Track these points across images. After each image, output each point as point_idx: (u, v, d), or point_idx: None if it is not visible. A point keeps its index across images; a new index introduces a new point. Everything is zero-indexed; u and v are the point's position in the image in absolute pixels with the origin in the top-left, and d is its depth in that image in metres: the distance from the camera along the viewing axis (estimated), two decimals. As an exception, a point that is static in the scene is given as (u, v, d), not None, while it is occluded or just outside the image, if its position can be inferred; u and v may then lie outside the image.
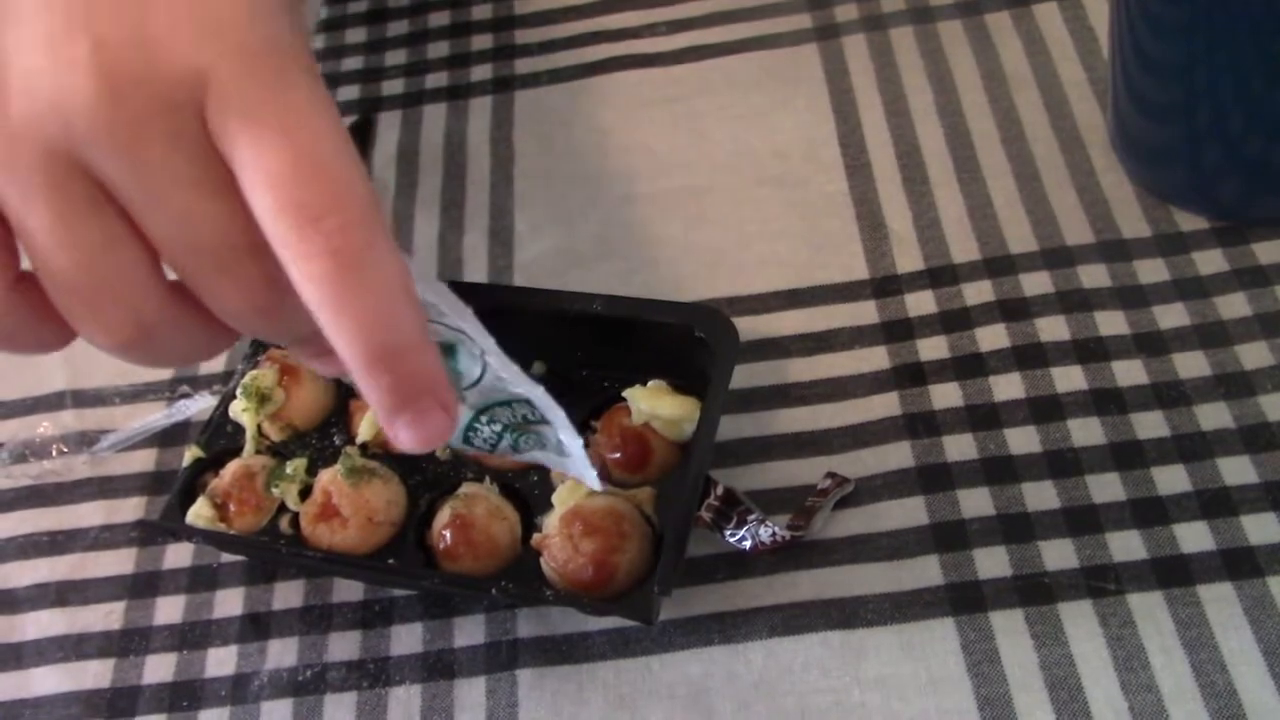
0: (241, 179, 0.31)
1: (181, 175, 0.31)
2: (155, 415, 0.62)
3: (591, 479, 0.42)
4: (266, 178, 0.31)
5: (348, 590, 0.55)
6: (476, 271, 0.65)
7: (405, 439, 0.33)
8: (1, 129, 0.31)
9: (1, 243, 0.33)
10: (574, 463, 0.42)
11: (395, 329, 0.32)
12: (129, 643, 0.55)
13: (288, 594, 0.55)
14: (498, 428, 0.42)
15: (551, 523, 0.51)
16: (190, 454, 0.57)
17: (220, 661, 0.54)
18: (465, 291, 0.56)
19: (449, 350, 0.40)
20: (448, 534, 0.51)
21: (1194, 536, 0.50)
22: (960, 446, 0.54)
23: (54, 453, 0.62)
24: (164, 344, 0.34)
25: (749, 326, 0.59)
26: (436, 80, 0.76)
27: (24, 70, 0.31)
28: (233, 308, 0.33)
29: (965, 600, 0.50)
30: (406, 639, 0.53)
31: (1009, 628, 0.49)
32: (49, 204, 0.31)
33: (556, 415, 0.41)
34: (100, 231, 0.32)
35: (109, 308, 0.33)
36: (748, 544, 0.52)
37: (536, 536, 0.51)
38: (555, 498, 0.51)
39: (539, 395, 0.41)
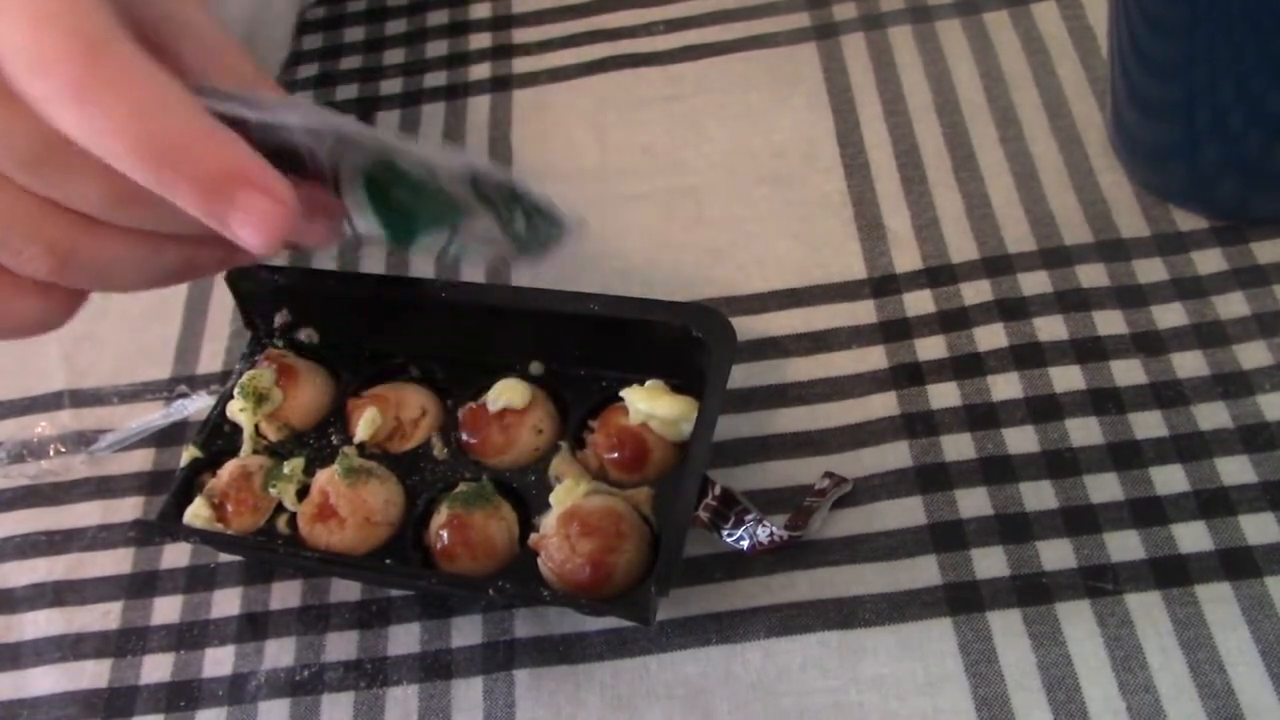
0: (4, 71, 0.32)
1: None
2: (153, 415, 0.62)
3: (567, 219, 0.41)
4: (11, 51, 0.31)
5: (345, 590, 0.55)
6: (474, 270, 0.65)
7: (244, 234, 0.32)
8: None
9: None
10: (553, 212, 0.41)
11: (164, 127, 0.31)
12: (126, 643, 0.55)
13: (285, 594, 0.55)
14: (521, 219, 0.41)
15: (549, 523, 0.51)
16: (188, 454, 0.57)
17: (218, 661, 0.54)
18: (462, 291, 0.57)
19: (390, 167, 0.38)
20: (445, 534, 0.51)
21: (1192, 536, 0.50)
22: (958, 446, 0.54)
23: (51, 452, 0.62)
24: (93, 262, 0.34)
25: (746, 326, 0.59)
26: (435, 79, 0.76)
27: None
28: (96, 201, 0.33)
29: (963, 600, 0.50)
30: (404, 639, 0.53)
31: (1007, 628, 0.49)
32: None
33: (501, 170, 0.40)
34: None
35: (19, 242, 0.33)
36: (745, 544, 0.52)
37: (534, 536, 0.50)
38: (553, 498, 0.51)
39: (463, 158, 0.39)
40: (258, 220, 0.32)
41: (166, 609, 0.56)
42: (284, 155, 0.36)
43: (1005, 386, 0.56)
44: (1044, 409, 0.55)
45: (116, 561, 0.58)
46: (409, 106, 0.75)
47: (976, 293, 0.59)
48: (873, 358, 0.58)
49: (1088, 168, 0.63)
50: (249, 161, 0.33)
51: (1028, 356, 0.57)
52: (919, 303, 0.60)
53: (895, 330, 0.59)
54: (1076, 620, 0.49)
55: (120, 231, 0.34)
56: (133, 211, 0.34)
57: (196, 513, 0.54)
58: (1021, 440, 0.54)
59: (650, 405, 0.52)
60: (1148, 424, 0.54)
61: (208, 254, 0.37)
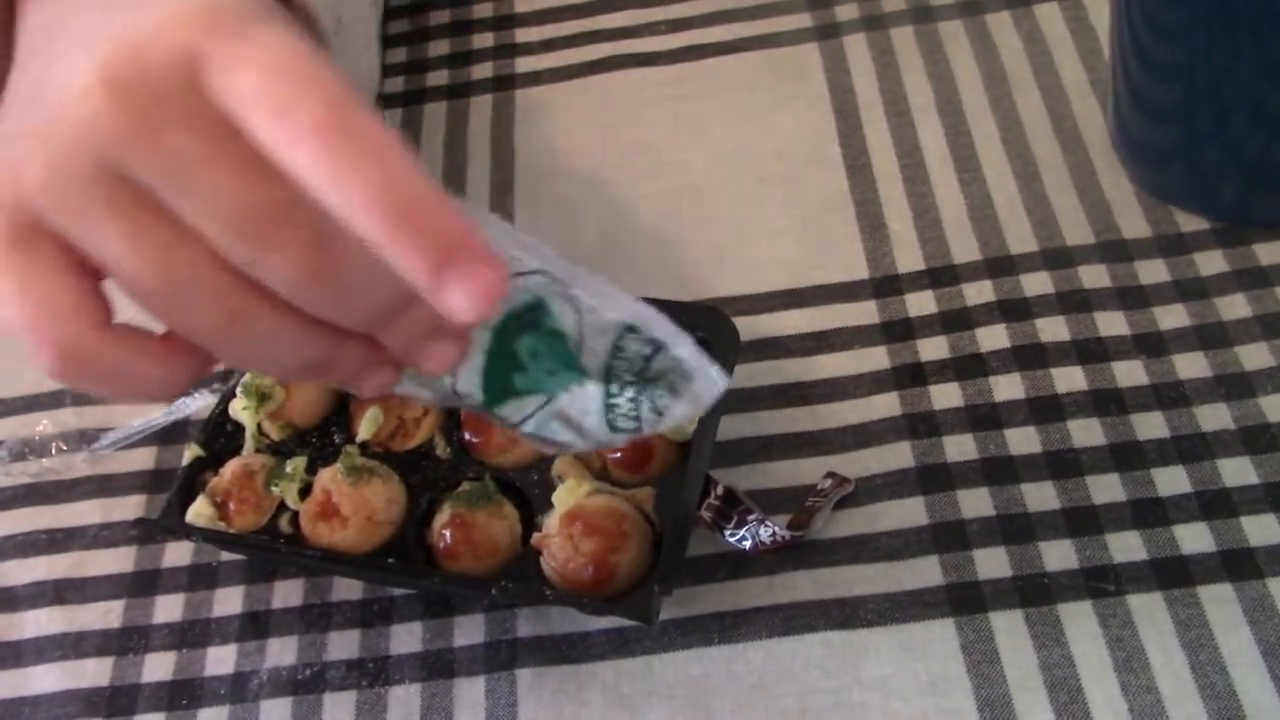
0: (240, 122, 0.32)
1: (201, 154, 0.32)
2: (155, 414, 0.62)
3: (714, 379, 0.40)
4: (248, 100, 0.32)
5: (347, 589, 0.55)
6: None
7: (459, 302, 0.31)
8: (50, 168, 0.33)
9: (89, 288, 0.34)
10: (698, 381, 0.40)
11: (404, 184, 0.31)
12: (128, 641, 0.55)
13: (287, 593, 0.55)
14: (631, 394, 0.40)
15: (551, 522, 0.51)
16: (190, 452, 0.57)
17: (219, 660, 0.54)
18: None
19: (538, 309, 0.38)
20: (448, 533, 0.51)
21: (1194, 537, 0.50)
22: (960, 447, 0.54)
23: (53, 450, 0.62)
24: (257, 332, 0.34)
25: (749, 326, 0.59)
26: (437, 78, 0.76)
27: (56, 114, 0.33)
28: (289, 276, 0.33)
29: (965, 601, 0.50)
30: (406, 638, 0.53)
31: (1009, 628, 0.49)
32: (110, 221, 0.33)
33: (656, 323, 0.39)
34: (164, 231, 0.33)
35: (196, 301, 0.34)
36: (748, 544, 0.52)
37: (536, 536, 0.50)
38: (555, 497, 0.51)
39: (631, 306, 0.39)
40: (475, 289, 0.32)
41: (168, 607, 0.56)
42: None
43: (1007, 387, 0.56)
44: (1046, 410, 0.55)
45: (118, 560, 0.58)
46: (411, 105, 0.75)
47: (978, 293, 0.59)
48: (875, 358, 0.58)
49: (1090, 169, 0.64)
50: (473, 231, 0.33)
51: (1030, 357, 0.57)
52: (921, 303, 0.60)
53: (897, 331, 0.59)
54: (1079, 621, 0.49)
55: (287, 310, 0.34)
56: (319, 292, 0.34)
57: (199, 511, 0.54)
58: (1023, 441, 0.54)
59: (653, 405, 0.52)
60: (1149, 425, 0.54)
61: (348, 356, 0.37)
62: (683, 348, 0.40)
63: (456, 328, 0.37)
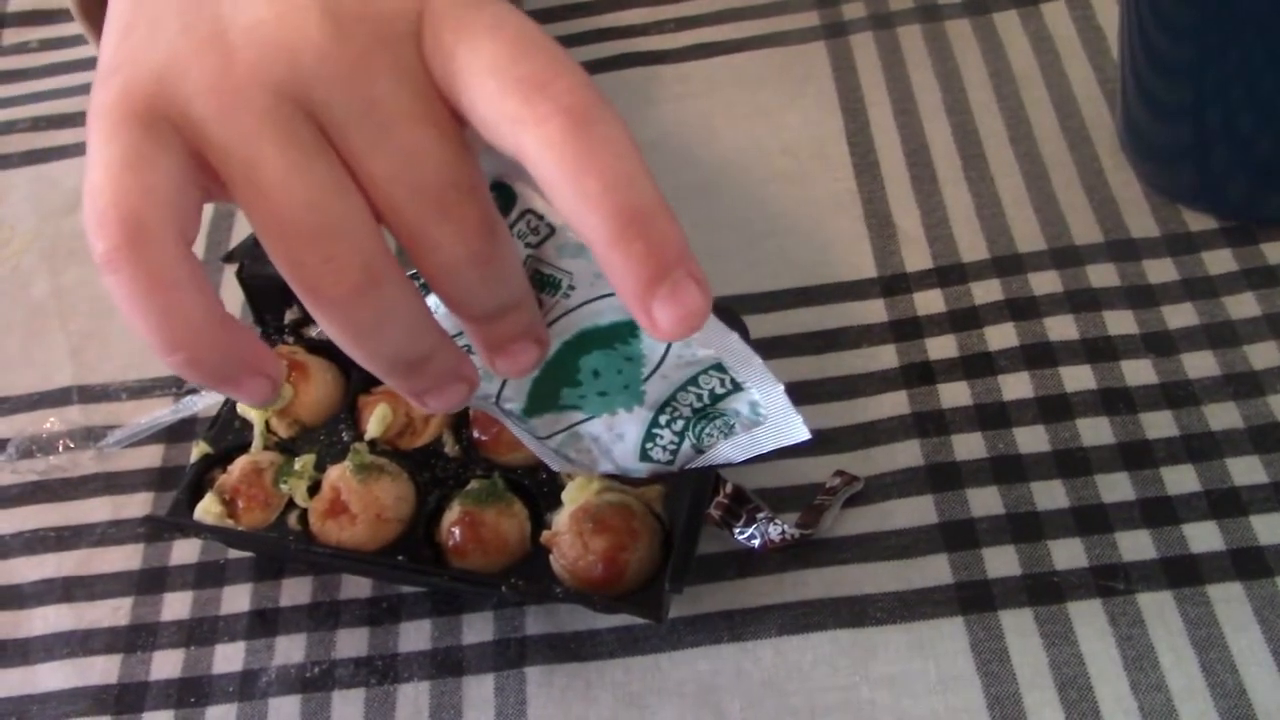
0: (463, 84, 0.31)
1: (407, 109, 0.31)
2: (162, 411, 0.62)
3: (801, 428, 0.39)
4: (486, 66, 0.31)
5: (356, 587, 0.55)
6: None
7: (665, 320, 0.30)
8: (227, 80, 0.31)
9: (191, 200, 0.32)
10: (772, 423, 0.39)
11: (640, 187, 0.31)
12: (136, 638, 0.55)
13: (295, 590, 0.55)
14: (679, 426, 0.39)
15: (561, 520, 0.51)
16: (198, 450, 0.57)
17: (228, 658, 0.54)
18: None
19: (630, 329, 0.37)
20: (457, 531, 0.51)
21: (1203, 536, 0.50)
22: (969, 445, 0.54)
23: (60, 448, 0.62)
24: (384, 303, 0.33)
25: (758, 324, 0.59)
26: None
27: (249, 23, 0.32)
28: (449, 256, 0.32)
29: (975, 599, 0.50)
30: (415, 636, 0.53)
31: (1018, 627, 0.49)
32: (279, 147, 0.31)
33: (751, 366, 0.38)
34: (329, 173, 0.31)
35: (341, 248, 0.31)
36: (757, 542, 0.52)
37: (546, 534, 0.50)
38: (565, 495, 0.51)
39: (733, 345, 0.37)
40: (686, 306, 0.31)
41: (176, 605, 0.56)
42: (539, 279, 0.37)
43: (1016, 386, 0.56)
44: (1055, 409, 0.55)
45: (126, 557, 0.58)
46: (418, 104, 0.74)
47: (987, 292, 0.59)
48: (883, 357, 0.58)
49: (1097, 168, 0.64)
50: (686, 245, 0.32)
51: (1038, 356, 0.57)
52: (929, 302, 0.60)
53: (906, 329, 0.59)
54: (1088, 619, 0.49)
55: (418, 293, 0.34)
56: (471, 276, 0.33)
57: (207, 509, 0.54)
58: (1032, 440, 0.54)
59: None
60: (1158, 424, 0.54)
61: (443, 360, 0.36)
62: (768, 394, 0.39)
63: (543, 333, 0.37)
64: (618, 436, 0.42)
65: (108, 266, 0.31)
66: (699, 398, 0.40)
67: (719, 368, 0.39)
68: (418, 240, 0.32)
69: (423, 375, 0.36)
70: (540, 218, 0.35)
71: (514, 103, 0.30)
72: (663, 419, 0.40)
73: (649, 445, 0.41)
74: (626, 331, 0.38)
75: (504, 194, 0.36)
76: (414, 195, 0.32)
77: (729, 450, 0.41)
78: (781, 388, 0.39)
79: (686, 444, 0.41)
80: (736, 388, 0.39)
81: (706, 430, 0.40)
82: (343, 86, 0.31)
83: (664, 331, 0.31)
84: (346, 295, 0.32)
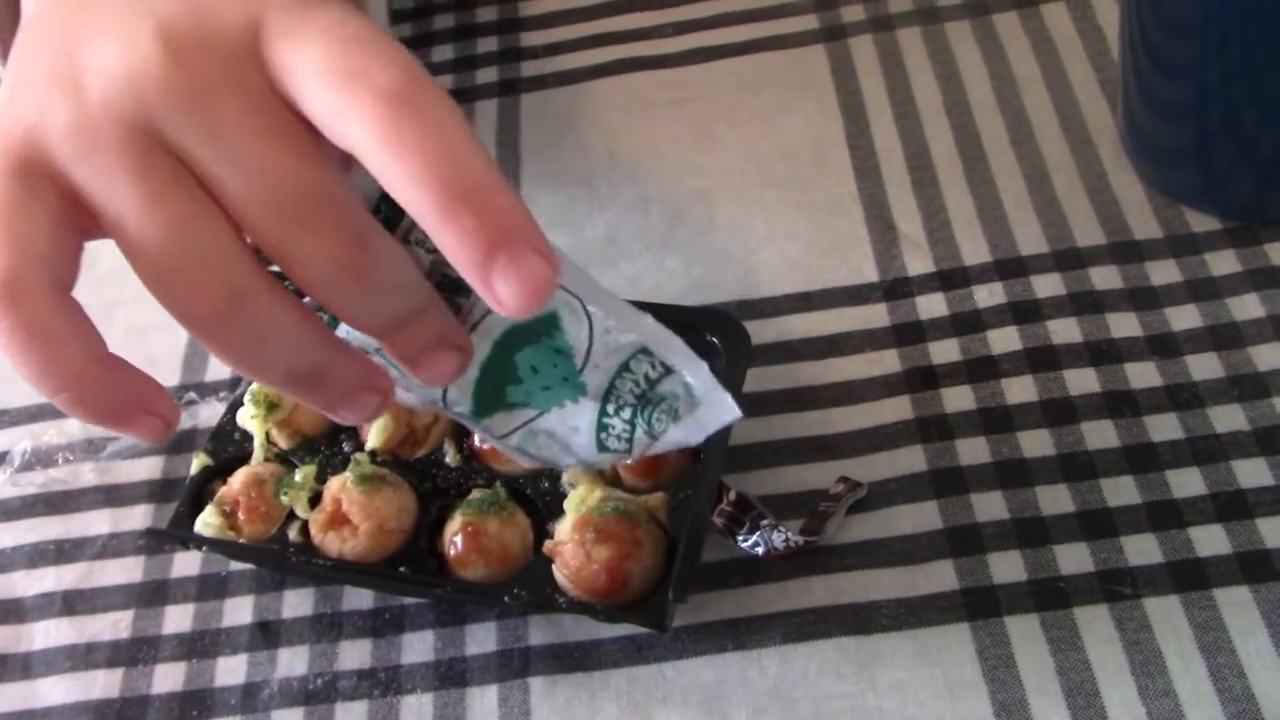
0: (297, 90, 0.32)
1: (252, 127, 0.32)
2: (162, 422, 0.62)
3: (730, 408, 0.39)
4: (312, 68, 0.31)
5: (358, 598, 0.54)
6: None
7: (505, 292, 0.30)
8: (83, 121, 0.32)
9: (66, 248, 0.33)
10: (706, 407, 0.39)
11: (465, 163, 0.31)
12: (138, 652, 0.55)
13: (297, 602, 0.55)
14: (627, 414, 0.40)
15: (564, 529, 0.50)
16: (198, 461, 0.56)
17: (230, 670, 0.53)
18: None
19: (550, 321, 0.38)
20: (459, 541, 0.51)
21: (1210, 540, 0.50)
22: (973, 450, 0.54)
23: (60, 460, 0.62)
24: (257, 319, 0.33)
25: (759, 329, 0.59)
26: (442, 83, 0.76)
27: (99, 64, 0.32)
28: (318, 270, 0.32)
29: (980, 605, 0.50)
30: (418, 647, 0.53)
31: (1025, 632, 0.49)
32: (135, 181, 0.32)
33: (673, 348, 0.38)
34: (188, 201, 0.32)
35: (203, 275, 0.32)
36: (761, 549, 0.51)
37: (549, 543, 0.50)
38: (567, 504, 0.51)
39: (650, 328, 0.38)
40: (526, 275, 0.31)
41: (178, 618, 0.55)
42: (448, 285, 0.36)
43: (1019, 390, 0.56)
44: (1059, 412, 0.55)
45: (127, 570, 0.57)
46: (416, 111, 0.74)
47: (989, 295, 0.59)
48: (886, 361, 0.58)
49: (1099, 169, 0.63)
50: (528, 219, 0.32)
51: (1042, 359, 0.56)
52: (931, 306, 0.59)
53: (908, 333, 0.59)
54: (1095, 624, 0.49)
55: (293, 304, 0.33)
56: (344, 287, 0.33)
57: (207, 521, 0.54)
58: (1037, 444, 0.54)
59: (664, 410, 0.52)
60: (1163, 427, 0.54)
61: (346, 372, 0.35)
62: (696, 375, 0.39)
63: (461, 339, 0.37)
64: (573, 429, 0.41)
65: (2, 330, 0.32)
66: (636, 384, 0.40)
67: (646, 352, 0.39)
68: (283, 256, 0.32)
69: (324, 388, 0.35)
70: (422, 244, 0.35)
71: (337, 97, 0.31)
72: (610, 408, 0.40)
73: (603, 435, 0.41)
74: (549, 324, 0.38)
75: (391, 209, 0.35)
76: (269, 211, 0.32)
77: (679, 434, 0.41)
78: (705, 366, 0.39)
79: (639, 431, 0.40)
80: (668, 370, 0.39)
81: (655, 416, 0.40)
82: (188, 113, 0.32)
83: (507, 306, 0.31)
84: (213, 317, 0.32)
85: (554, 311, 0.38)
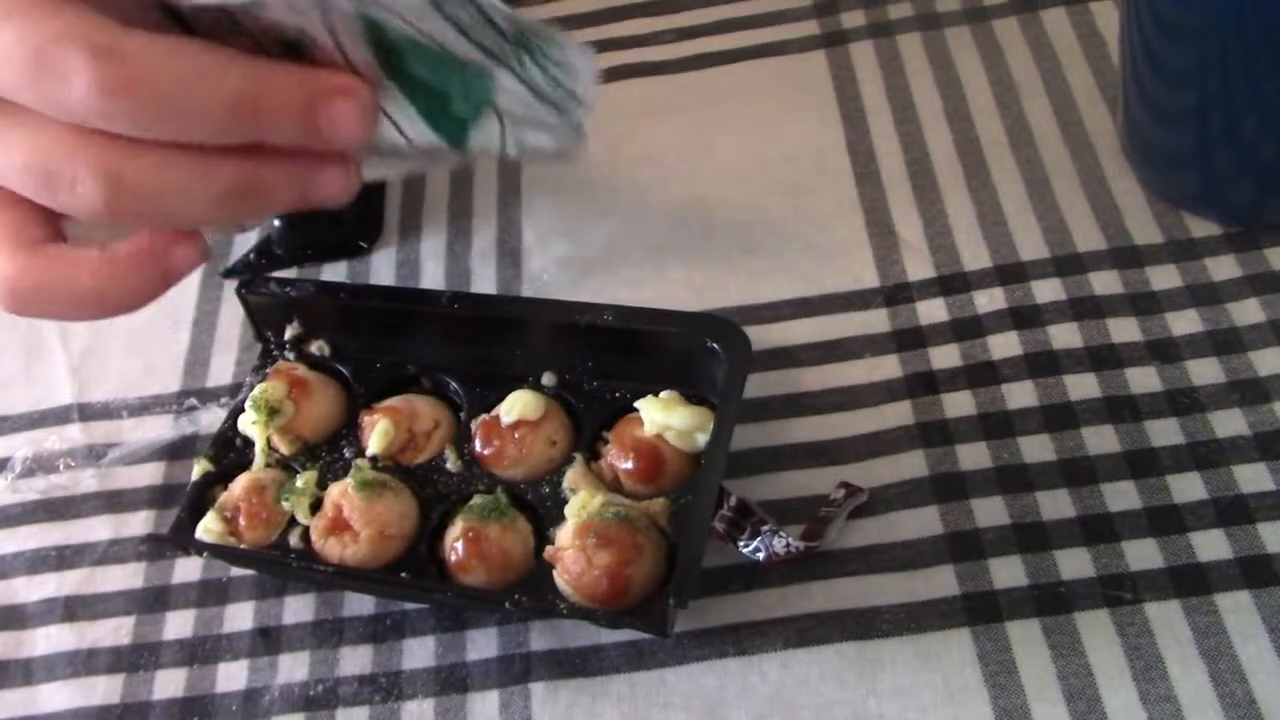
0: None
1: None
2: (163, 428, 0.62)
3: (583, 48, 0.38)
4: None
5: (359, 604, 0.54)
6: (485, 282, 0.65)
7: (340, 135, 0.33)
8: None
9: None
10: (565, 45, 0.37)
11: (223, 80, 0.33)
12: (139, 658, 0.55)
13: (298, 608, 0.55)
14: (535, 71, 0.38)
15: (564, 535, 0.50)
16: (199, 467, 0.56)
17: (231, 676, 0.53)
18: (474, 302, 0.57)
19: (375, 25, 0.35)
20: (460, 547, 0.51)
21: (1211, 545, 0.50)
22: (974, 455, 0.54)
23: (61, 466, 0.62)
24: (148, 186, 0.33)
25: (760, 335, 0.59)
26: (442, 90, 0.76)
27: None
28: (91, 100, 0.32)
29: (981, 610, 0.50)
30: (419, 653, 0.53)
31: (1026, 638, 0.49)
32: None
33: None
34: (22, 127, 0.33)
35: (70, 176, 0.33)
36: (761, 555, 0.51)
37: (549, 549, 0.50)
38: (568, 510, 0.51)
39: None
40: (346, 118, 0.33)
41: (179, 624, 0.55)
42: (288, 45, 0.35)
43: (1020, 395, 0.56)
44: (1059, 417, 0.55)
45: (128, 576, 0.57)
46: (417, 117, 0.74)
47: (990, 300, 0.59)
48: (886, 367, 0.58)
49: (1099, 174, 0.63)
50: (317, 78, 0.33)
51: (1042, 364, 0.56)
52: (932, 311, 0.59)
53: (909, 339, 0.59)
54: (1096, 630, 0.49)
55: (165, 149, 0.33)
56: (124, 104, 0.32)
57: (208, 527, 0.54)
58: (1037, 449, 0.54)
59: (665, 416, 0.52)
60: (1164, 431, 0.54)
61: (274, 172, 0.35)
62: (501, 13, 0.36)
63: (341, 82, 0.35)
64: (527, 105, 0.39)
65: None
66: (493, 37, 0.37)
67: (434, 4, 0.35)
68: (51, 111, 0.32)
69: (273, 195, 0.36)
70: (214, 9, 0.33)
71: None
72: (516, 68, 0.37)
73: (537, 84, 0.38)
74: (375, 26, 0.35)
75: (172, 13, 0.34)
76: (21, 81, 0.32)
77: (581, 62, 0.39)
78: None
79: (563, 82, 0.39)
80: (483, 11, 0.36)
81: (551, 63, 0.38)
82: None
83: (346, 137, 0.33)
84: (108, 205, 0.33)
85: (370, 16, 0.35)
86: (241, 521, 0.54)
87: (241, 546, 0.53)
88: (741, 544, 0.52)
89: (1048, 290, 0.59)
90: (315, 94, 0.34)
